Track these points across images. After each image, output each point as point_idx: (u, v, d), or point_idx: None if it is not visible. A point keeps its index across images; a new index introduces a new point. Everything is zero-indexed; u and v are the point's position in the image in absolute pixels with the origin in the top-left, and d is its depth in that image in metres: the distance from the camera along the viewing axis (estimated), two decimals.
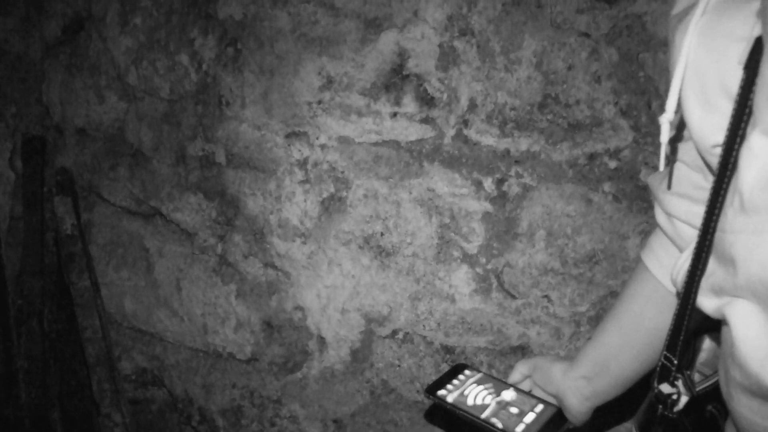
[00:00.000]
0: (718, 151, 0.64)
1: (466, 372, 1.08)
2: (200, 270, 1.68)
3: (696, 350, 0.90)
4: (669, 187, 0.81)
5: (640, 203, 1.36)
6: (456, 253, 1.45)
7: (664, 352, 0.81)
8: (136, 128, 1.70)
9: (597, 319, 1.42)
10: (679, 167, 0.81)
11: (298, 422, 1.65)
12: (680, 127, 0.77)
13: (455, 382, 1.05)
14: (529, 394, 1.03)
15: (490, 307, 1.46)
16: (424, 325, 1.50)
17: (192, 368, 1.75)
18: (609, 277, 1.40)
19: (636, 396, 1.45)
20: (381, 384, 1.56)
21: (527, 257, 1.42)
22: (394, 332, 1.53)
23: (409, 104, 1.42)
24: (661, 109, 1.31)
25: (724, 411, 0.81)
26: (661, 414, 0.82)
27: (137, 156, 1.71)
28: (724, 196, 0.65)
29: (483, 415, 0.96)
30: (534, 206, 1.40)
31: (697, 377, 0.89)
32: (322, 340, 1.58)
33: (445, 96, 1.40)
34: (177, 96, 1.63)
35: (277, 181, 1.54)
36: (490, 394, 1.01)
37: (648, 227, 1.37)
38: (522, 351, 1.46)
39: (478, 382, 1.04)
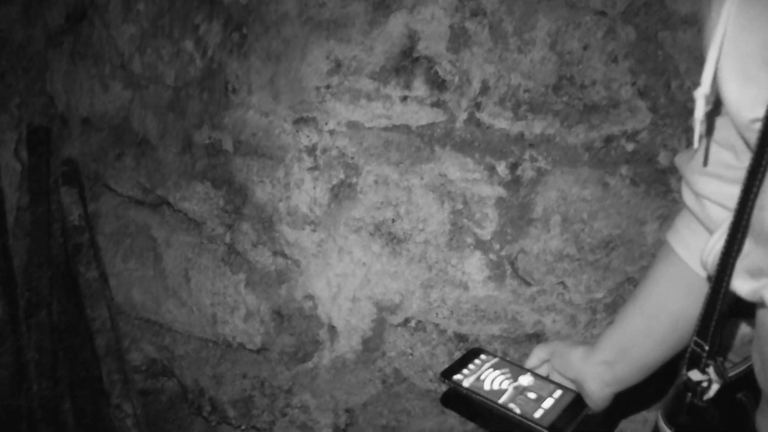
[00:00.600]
0: (758, 126, 0.61)
1: (482, 356, 1.05)
2: (209, 259, 1.66)
3: (723, 337, 0.87)
4: (705, 164, 0.78)
5: (658, 187, 1.33)
6: (469, 240, 1.42)
7: (695, 338, 0.78)
8: (141, 117, 1.68)
9: (614, 306, 1.39)
10: (709, 145, 0.78)
11: (309, 412, 1.63)
12: (715, 101, 0.74)
13: (471, 366, 1.03)
14: (546, 379, 1.00)
15: (504, 295, 1.43)
16: (436, 313, 1.48)
17: (202, 358, 1.73)
18: (626, 263, 1.37)
19: (657, 383, 1.42)
20: (393, 373, 1.54)
21: (542, 243, 1.39)
22: (407, 320, 1.50)
23: (420, 88, 1.39)
24: (681, 89, 1.30)
25: (753, 399, 0.79)
26: (689, 402, 0.80)
27: (143, 145, 1.69)
28: (764, 173, 0.63)
29: (500, 401, 0.94)
30: (549, 191, 1.37)
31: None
32: (333, 329, 1.56)
33: (456, 79, 1.37)
34: (182, 83, 1.60)
35: (286, 168, 1.52)
36: (507, 379, 0.99)
37: (667, 211, 1.33)
38: (537, 339, 1.43)
39: (495, 367, 1.02)
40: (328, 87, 1.45)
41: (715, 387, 0.79)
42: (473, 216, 1.41)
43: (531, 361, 1.04)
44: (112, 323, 1.75)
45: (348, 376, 1.58)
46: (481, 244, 1.42)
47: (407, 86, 1.40)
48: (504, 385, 0.97)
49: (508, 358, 1.06)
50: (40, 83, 1.80)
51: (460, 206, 1.41)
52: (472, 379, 0.99)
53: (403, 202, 1.44)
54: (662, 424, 0.88)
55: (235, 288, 1.64)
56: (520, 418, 0.91)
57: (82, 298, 1.75)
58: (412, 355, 1.52)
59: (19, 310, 1.75)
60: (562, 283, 1.40)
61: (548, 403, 0.94)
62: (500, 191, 1.39)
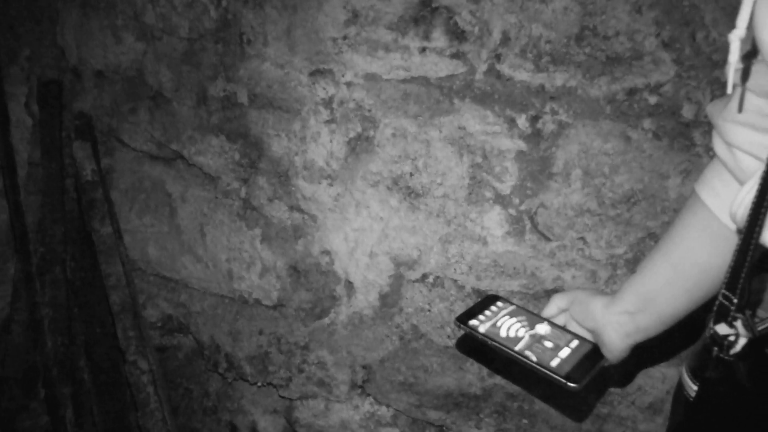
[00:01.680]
0: None
1: (499, 303, 1.05)
2: (224, 215, 1.65)
3: (751, 292, 0.86)
4: (739, 112, 0.76)
5: (681, 141, 1.31)
6: (488, 194, 1.41)
7: (723, 291, 0.76)
8: (155, 69, 1.65)
9: (635, 261, 1.37)
10: (743, 93, 0.75)
11: (326, 368, 1.63)
12: (750, 49, 0.71)
13: (487, 312, 1.02)
14: (563, 329, 0.99)
15: (523, 250, 1.41)
16: (455, 269, 1.47)
17: (218, 315, 1.73)
18: (648, 218, 1.35)
19: (677, 339, 1.41)
20: (411, 329, 1.54)
21: (562, 198, 1.37)
22: (424, 276, 1.49)
23: (439, 38, 1.36)
24: (706, 40, 1.27)
25: None
26: (716, 356, 0.78)
27: (157, 98, 1.67)
28: None
29: (517, 348, 0.93)
30: (570, 144, 1.34)
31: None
32: (350, 285, 1.55)
33: (476, 29, 1.34)
34: (196, 35, 1.57)
35: (302, 121, 1.50)
36: (523, 326, 0.98)
37: (690, 166, 1.31)
38: None
39: (511, 314, 1.01)
40: (345, 38, 1.42)
41: (742, 341, 0.77)
42: (493, 170, 1.39)
43: (549, 310, 1.03)
44: (127, 280, 1.75)
45: (365, 332, 1.58)
46: (500, 199, 1.40)
47: (426, 37, 1.37)
48: (520, 333, 0.97)
49: (524, 306, 1.04)
50: (50, 35, 1.77)
51: (479, 160, 1.39)
52: (488, 325, 0.98)
53: (422, 156, 1.42)
54: (687, 379, 0.88)
55: (251, 243, 1.63)
56: (537, 366, 0.90)
57: (96, 255, 1.75)
58: (429, 311, 1.51)
59: (32, 267, 1.74)
60: (582, 238, 1.38)
61: (565, 352, 0.93)
62: (520, 144, 1.37)
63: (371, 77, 1.42)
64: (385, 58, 1.40)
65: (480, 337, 0.96)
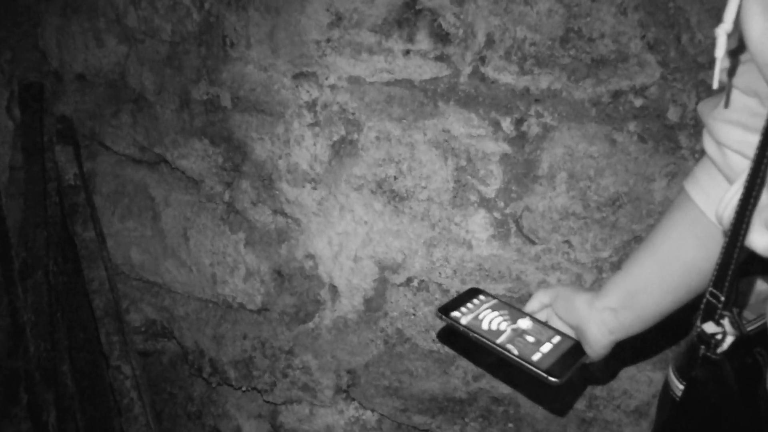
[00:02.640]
0: None
1: (481, 297, 1.04)
2: (208, 218, 1.64)
3: (739, 293, 0.85)
4: (728, 111, 0.75)
5: (667, 143, 1.31)
6: (473, 197, 1.40)
7: (710, 289, 0.76)
8: (137, 72, 1.64)
9: (620, 265, 1.37)
10: (732, 91, 0.75)
11: (311, 373, 1.62)
12: (737, 47, 0.71)
13: (469, 305, 1.01)
14: (545, 324, 0.99)
15: (508, 253, 1.41)
16: (439, 273, 1.46)
17: (202, 319, 1.72)
18: (633, 221, 1.35)
19: (663, 342, 1.41)
20: (395, 333, 1.53)
21: (548, 201, 1.36)
22: (409, 280, 1.48)
23: (423, 41, 1.35)
24: (692, 42, 1.26)
25: None
26: (703, 355, 0.78)
27: (140, 101, 1.65)
28: None
29: (498, 341, 0.93)
30: (555, 147, 1.34)
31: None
32: (334, 289, 1.54)
33: (460, 31, 1.33)
34: (179, 37, 1.56)
35: (286, 124, 1.48)
36: (505, 320, 0.98)
37: (675, 169, 1.31)
38: None
39: (493, 308, 1.01)
40: (328, 40, 1.40)
41: (729, 339, 0.77)
42: (477, 173, 1.38)
43: (531, 305, 1.03)
44: (110, 284, 1.73)
45: (350, 337, 1.56)
46: (485, 202, 1.39)
47: (410, 39, 1.36)
48: (502, 327, 0.96)
49: (506, 301, 1.04)
50: (32, 38, 1.75)
51: (463, 163, 1.38)
52: (469, 317, 0.98)
53: (406, 159, 1.41)
54: (673, 378, 0.87)
55: (234, 247, 1.62)
56: (518, 360, 0.89)
57: (79, 259, 1.73)
58: (414, 315, 1.50)
59: (14, 272, 1.72)
60: (567, 241, 1.38)
61: (546, 347, 0.92)
62: (505, 147, 1.36)
63: (355, 80, 1.41)
64: (368, 60, 1.39)
65: (461, 328, 0.96)
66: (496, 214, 1.40)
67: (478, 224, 1.41)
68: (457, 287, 1.45)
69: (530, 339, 0.94)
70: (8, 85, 1.80)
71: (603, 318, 0.92)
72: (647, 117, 1.30)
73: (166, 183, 1.68)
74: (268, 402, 1.70)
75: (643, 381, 1.44)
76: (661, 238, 0.90)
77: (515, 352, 0.90)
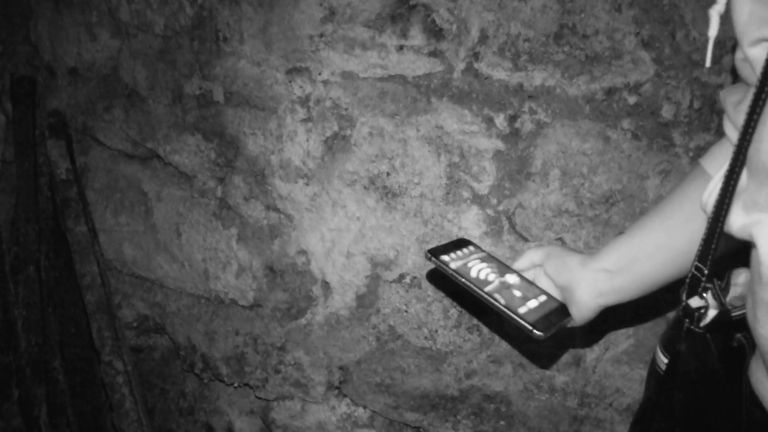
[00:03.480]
0: (764, 48, 0.59)
1: (470, 247, 1.03)
2: (200, 214, 1.63)
3: (730, 285, 0.86)
4: (741, 98, 0.76)
5: (660, 141, 1.30)
6: (466, 194, 1.39)
7: (695, 263, 0.78)
8: (130, 67, 1.63)
9: None
10: (741, 80, 0.76)
11: (303, 369, 1.62)
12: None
13: (459, 252, 1.00)
14: (532, 283, 0.98)
15: (501, 250, 1.40)
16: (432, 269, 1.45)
17: (194, 315, 1.71)
18: (626, 218, 1.34)
19: (649, 336, 1.40)
20: (388, 330, 1.52)
21: (541, 198, 1.36)
22: (401, 276, 1.48)
23: (417, 36, 1.34)
24: (686, 39, 1.26)
25: (752, 342, 0.78)
26: (687, 328, 0.80)
27: (132, 96, 1.64)
28: (762, 104, 0.62)
29: (486, 289, 0.92)
30: (548, 144, 1.33)
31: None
32: (326, 285, 1.54)
33: (454, 27, 1.32)
34: (172, 32, 1.55)
35: (278, 119, 1.48)
36: (493, 272, 0.96)
37: (669, 166, 1.31)
38: None
39: (482, 260, 1.00)
40: (321, 35, 1.40)
41: (712, 313, 0.79)
42: (470, 169, 1.38)
43: (521, 262, 1.02)
44: (102, 279, 1.72)
45: (342, 333, 1.56)
46: (478, 199, 1.39)
47: (403, 35, 1.35)
48: (490, 278, 0.95)
49: (494, 255, 1.03)
50: (23, 32, 1.74)
51: (456, 159, 1.38)
52: (459, 263, 0.97)
53: (399, 155, 1.41)
54: (659, 353, 0.89)
55: (227, 243, 1.61)
56: (505, 309, 0.89)
57: (71, 254, 1.72)
58: (407, 311, 1.50)
59: (6, 266, 1.71)
60: (560, 239, 1.37)
61: (532, 303, 0.92)
62: (498, 144, 1.35)
63: (348, 75, 1.40)
64: (362, 56, 1.39)
65: (450, 272, 0.95)
66: (489, 211, 1.39)
67: (471, 221, 1.40)
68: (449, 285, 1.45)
69: (517, 293, 0.93)
70: (0, 79, 1.79)
71: (596, 279, 0.92)
72: (641, 114, 1.29)
73: (159, 178, 1.67)
74: (260, 398, 1.70)
75: (636, 379, 1.44)
76: (671, 207, 0.90)
77: (502, 301, 0.89)
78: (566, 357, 1.45)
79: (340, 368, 1.59)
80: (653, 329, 1.42)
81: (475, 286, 0.92)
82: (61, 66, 1.73)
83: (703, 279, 0.77)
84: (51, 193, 1.74)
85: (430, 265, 1.43)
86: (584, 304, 0.93)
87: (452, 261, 0.97)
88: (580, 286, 0.92)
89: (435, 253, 0.98)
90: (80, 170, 1.77)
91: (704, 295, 0.78)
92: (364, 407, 1.61)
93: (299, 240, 1.53)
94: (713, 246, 0.74)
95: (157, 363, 1.83)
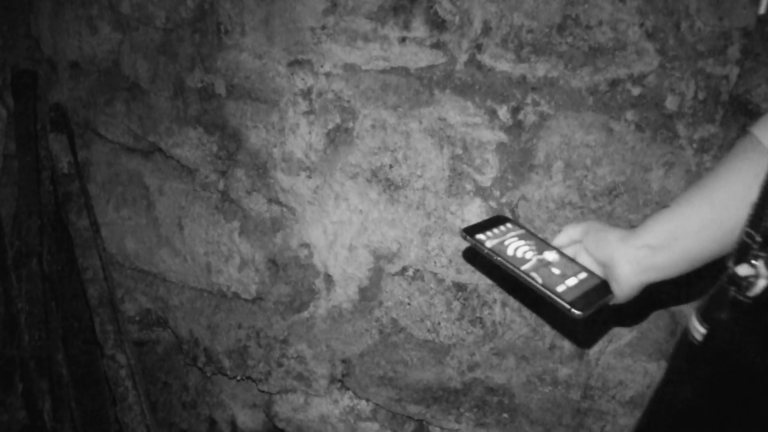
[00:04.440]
0: None
1: (508, 225, 1.01)
2: (202, 207, 1.62)
3: None
4: None
5: (664, 133, 1.29)
6: (468, 186, 1.39)
7: (746, 229, 0.74)
8: (131, 60, 1.62)
9: None
10: None
11: (306, 362, 1.62)
12: None
13: (495, 230, 0.98)
14: (572, 260, 0.95)
15: None
16: (435, 262, 1.45)
17: (196, 309, 1.71)
18: (630, 210, 1.34)
19: (651, 329, 1.40)
20: (390, 323, 1.52)
21: (544, 190, 1.35)
22: (404, 269, 1.48)
23: (419, 28, 1.34)
24: (691, 30, 1.25)
25: None
26: (732, 297, 0.76)
27: (134, 90, 1.64)
28: None
29: (523, 268, 0.90)
30: (551, 136, 1.32)
31: None
32: (329, 278, 1.53)
33: (457, 18, 1.31)
34: (173, 24, 1.54)
35: (280, 112, 1.47)
36: (531, 250, 0.94)
37: (673, 158, 1.30)
38: None
39: (520, 237, 0.98)
40: (323, 27, 1.39)
41: (762, 283, 0.74)
42: (473, 162, 1.37)
43: (560, 239, 0.99)
44: (104, 273, 1.72)
45: (344, 326, 1.56)
46: (481, 191, 1.38)
47: (406, 27, 1.34)
48: (528, 255, 0.93)
49: (533, 232, 1.00)
50: (24, 25, 1.73)
51: (459, 151, 1.37)
52: (495, 242, 0.95)
53: (401, 148, 1.40)
54: (695, 323, 0.84)
55: (229, 236, 1.61)
56: (542, 288, 0.87)
57: (73, 248, 1.72)
58: (409, 304, 1.50)
59: (8, 260, 1.71)
60: None
61: (572, 281, 0.89)
62: (501, 136, 1.35)
63: (350, 68, 1.40)
64: (364, 48, 1.38)
65: (486, 251, 0.93)
66: (492, 203, 1.38)
67: (474, 213, 1.40)
68: (452, 277, 1.44)
69: (556, 271, 0.91)
70: (1, 73, 1.78)
71: (637, 255, 0.88)
72: (645, 106, 1.29)
73: (161, 172, 1.67)
74: (262, 391, 1.70)
75: (639, 371, 1.44)
76: (719, 181, 0.85)
77: (539, 280, 0.88)
78: (569, 349, 1.45)
79: (343, 361, 1.59)
80: (656, 322, 1.41)
81: (511, 264, 0.90)
82: (62, 59, 1.72)
83: (755, 246, 0.72)
84: (53, 186, 1.74)
85: (434, 255, 1.43)
86: (626, 281, 0.89)
87: (488, 239, 0.95)
88: (621, 263, 0.89)
89: (470, 231, 0.96)
90: (82, 164, 1.77)
91: (754, 262, 0.73)
92: (367, 400, 1.61)
93: (302, 233, 1.53)
94: (766, 211, 0.70)
95: (159, 357, 1.83)
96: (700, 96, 1.27)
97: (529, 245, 0.95)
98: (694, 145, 1.29)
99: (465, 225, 0.98)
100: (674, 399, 0.87)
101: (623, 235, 0.90)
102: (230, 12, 1.46)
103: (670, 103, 1.28)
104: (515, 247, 0.94)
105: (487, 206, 1.39)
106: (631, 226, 1.33)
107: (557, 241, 0.99)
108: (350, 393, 1.62)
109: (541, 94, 1.31)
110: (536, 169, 1.34)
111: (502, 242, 0.95)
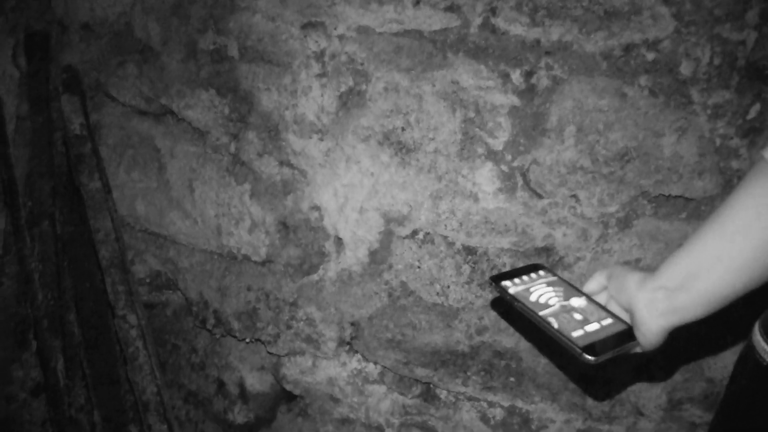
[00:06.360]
0: None
1: (540, 272, 1.03)
2: (213, 170, 1.63)
3: None
4: None
5: (678, 98, 1.29)
6: (480, 150, 1.39)
7: None
8: (143, 22, 1.62)
9: (626, 220, 1.36)
10: None
11: (315, 325, 1.63)
12: None
13: (524, 278, 1.01)
14: (601, 306, 0.95)
15: (514, 207, 1.40)
16: (445, 225, 1.45)
17: (206, 271, 1.72)
18: (641, 176, 1.33)
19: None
20: (400, 286, 1.53)
21: (555, 154, 1.35)
22: (414, 232, 1.48)
23: None
24: None
25: None
26: None
27: (145, 52, 1.64)
28: None
29: (542, 313, 0.92)
30: (564, 100, 1.32)
31: None
32: (339, 241, 1.54)
33: None
34: None
35: (293, 74, 1.47)
36: (557, 296, 0.96)
37: (686, 124, 1.29)
38: (547, 252, 1.41)
39: (549, 284, 1.00)
40: None
41: None
42: (485, 125, 1.37)
43: (590, 285, 0.98)
44: (115, 234, 1.73)
45: (354, 289, 1.57)
46: (492, 155, 1.38)
47: None
48: (551, 302, 0.95)
49: (566, 279, 1.02)
50: None
51: (472, 115, 1.37)
52: (520, 288, 0.97)
53: (414, 110, 1.40)
54: (760, 341, 0.82)
55: (240, 199, 1.61)
56: (556, 332, 0.88)
57: (84, 209, 1.73)
58: (419, 267, 1.50)
59: (21, 219, 1.73)
60: (574, 195, 1.37)
61: (593, 327, 0.90)
62: (514, 100, 1.34)
63: (364, 30, 1.39)
64: (378, 10, 1.37)
65: (508, 297, 0.96)
66: (504, 167, 1.39)
67: (485, 177, 1.40)
68: (462, 240, 1.45)
69: (577, 317, 0.92)
70: (13, 33, 1.78)
71: (653, 298, 0.85)
72: (659, 71, 1.28)
73: (172, 134, 1.67)
74: (271, 354, 1.71)
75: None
76: (730, 211, 0.81)
77: (555, 325, 0.89)
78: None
79: (352, 324, 1.60)
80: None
81: (530, 309, 0.92)
82: (73, 21, 1.72)
83: None
84: (65, 148, 1.75)
85: (445, 218, 1.44)
86: (646, 326, 0.86)
87: (513, 286, 0.97)
88: (638, 307, 0.86)
89: (498, 278, 0.99)
90: (93, 126, 1.77)
91: None
92: (375, 363, 1.62)
93: (312, 196, 1.53)
94: None
95: (169, 319, 1.85)
96: (716, 61, 1.26)
97: (556, 291, 0.97)
98: (708, 111, 1.29)
99: (494, 272, 1.01)
100: (744, 421, 0.85)
101: (641, 278, 0.87)
102: None
103: (685, 69, 1.27)
104: (540, 293, 0.96)
105: (498, 170, 1.39)
106: (643, 191, 1.34)
107: (588, 287, 0.98)
108: (358, 356, 1.63)
109: (554, 59, 1.31)
110: (548, 134, 1.34)
111: (527, 288, 0.97)
